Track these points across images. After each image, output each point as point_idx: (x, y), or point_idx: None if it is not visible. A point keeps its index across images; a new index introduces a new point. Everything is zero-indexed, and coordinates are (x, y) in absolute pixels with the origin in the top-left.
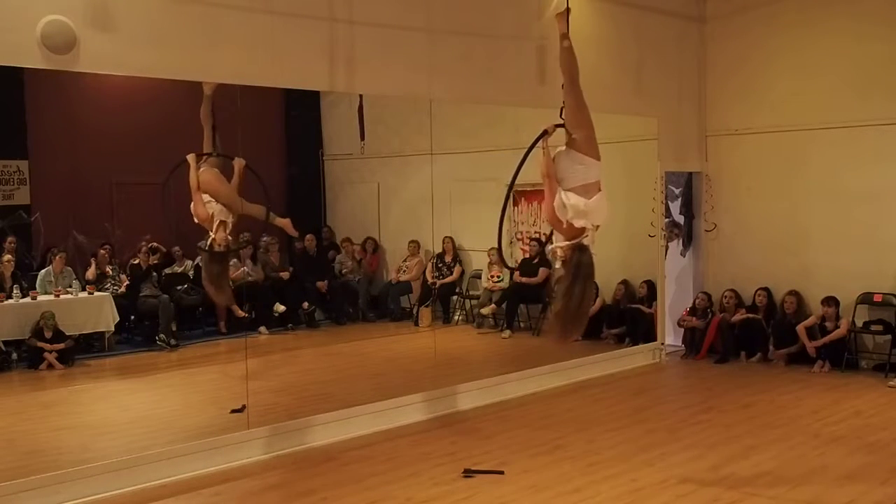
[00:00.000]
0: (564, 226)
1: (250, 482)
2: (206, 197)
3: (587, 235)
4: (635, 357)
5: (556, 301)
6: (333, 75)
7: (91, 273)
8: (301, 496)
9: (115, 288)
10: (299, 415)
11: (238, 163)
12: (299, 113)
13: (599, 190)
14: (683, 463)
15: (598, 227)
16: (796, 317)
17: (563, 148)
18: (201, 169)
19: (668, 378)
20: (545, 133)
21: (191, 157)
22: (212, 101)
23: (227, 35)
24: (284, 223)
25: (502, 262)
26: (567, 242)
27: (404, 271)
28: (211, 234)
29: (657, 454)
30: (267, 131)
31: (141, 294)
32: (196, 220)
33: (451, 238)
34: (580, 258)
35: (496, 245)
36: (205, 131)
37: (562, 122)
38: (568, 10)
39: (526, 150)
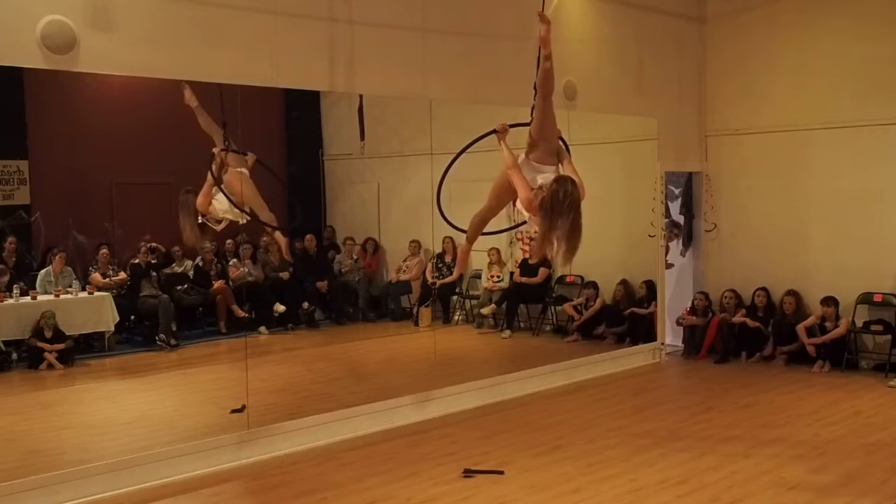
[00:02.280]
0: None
1: (250, 482)
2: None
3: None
4: (635, 357)
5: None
6: (333, 75)
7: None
8: (301, 496)
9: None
10: (299, 415)
11: (249, 157)
12: (299, 113)
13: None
14: (683, 463)
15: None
16: (796, 317)
17: (523, 156)
18: (228, 170)
19: (668, 378)
20: (495, 132)
21: (216, 150)
22: (205, 111)
23: (227, 35)
24: (281, 241)
25: (442, 216)
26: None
27: (404, 271)
28: (208, 217)
29: (657, 454)
30: (267, 131)
31: (141, 294)
32: (197, 206)
33: (451, 238)
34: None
35: (439, 207)
36: (215, 139)
37: (519, 123)
38: (548, 27)
39: (466, 143)
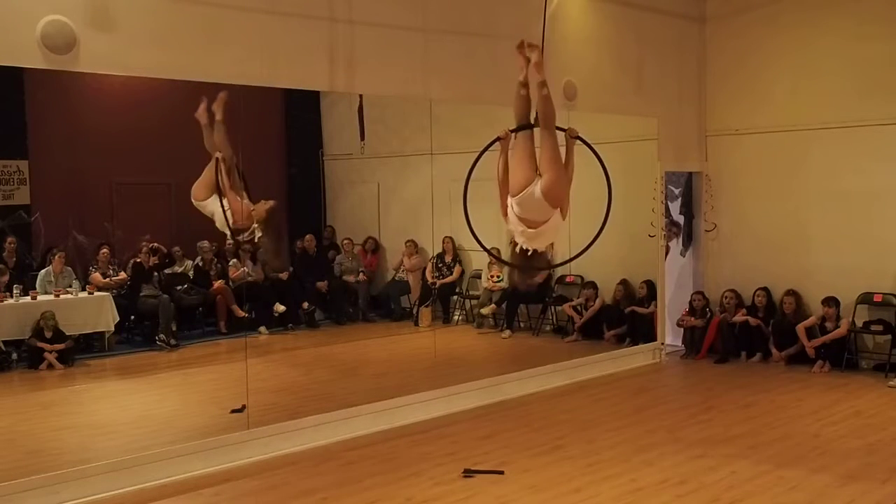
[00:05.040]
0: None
1: (250, 482)
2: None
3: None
4: (635, 357)
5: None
6: (333, 75)
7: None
8: (301, 496)
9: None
10: (299, 415)
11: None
12: (299, 113)
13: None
14: (683, 463)
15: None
16: (796, 317)
17: (536, 187)
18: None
19: (668, 378)
20: (498, 139)
21: (220, 156)
22: (209, 131)
23: (227, 35)
24: None
25: (483, 248)
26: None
27: (405, 268)
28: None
29: (657, 454)
30: (267, 131)
31: (141, 294)
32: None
33: (451, 238)
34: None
35: (474, 239)
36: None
37: (522, 126)
38: (542, 53)
39: (478, 153)
